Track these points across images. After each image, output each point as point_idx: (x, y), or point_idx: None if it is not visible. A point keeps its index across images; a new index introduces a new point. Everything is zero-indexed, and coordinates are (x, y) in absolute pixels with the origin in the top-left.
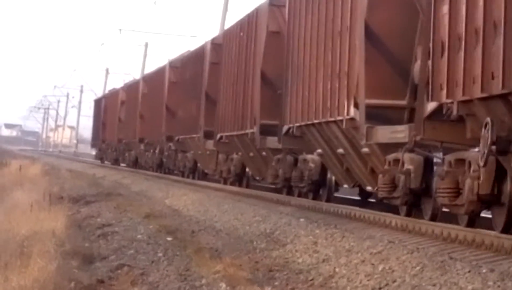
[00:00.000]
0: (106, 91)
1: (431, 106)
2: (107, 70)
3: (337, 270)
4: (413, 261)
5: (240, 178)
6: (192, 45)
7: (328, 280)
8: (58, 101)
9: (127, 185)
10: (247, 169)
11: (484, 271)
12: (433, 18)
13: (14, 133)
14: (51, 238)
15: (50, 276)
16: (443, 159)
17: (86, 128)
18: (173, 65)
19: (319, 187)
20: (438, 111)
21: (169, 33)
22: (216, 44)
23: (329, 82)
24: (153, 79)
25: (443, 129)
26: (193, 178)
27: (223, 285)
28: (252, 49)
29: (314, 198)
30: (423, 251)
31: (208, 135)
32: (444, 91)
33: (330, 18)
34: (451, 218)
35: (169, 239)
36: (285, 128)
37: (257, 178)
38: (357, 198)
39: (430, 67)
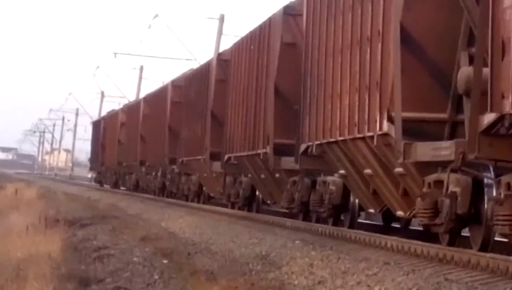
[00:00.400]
0: (102, 114)
1: (488, 118)
2: (102, 93)
3: None
4: (409, 282)
5: (249, 202)
6: (187, 68)
7: None
8: (54, 125)
9: (123, 208)
10: (257, 193)
11: None
12: (491, 14)
13: (9, 156)
14: (47, 261)
15: None
16: (498, 181)
17: (82, 151)
18: (175, 84)
19: (340, 212)
20: (495, 124)
21: (164, 56)
22: (222, 60)
23: (356, 95)
24: (154, 99)
25: (502, 145)
26: (198, 202)
27: None
28: (265, 63)
29: (334, 224)
30: (418, 272)
31: (215, 157)
32: (509, 100)
33: (357, 22)
34: (504, 248)
35: (165, 261)
36: (302, 146)
37: (268, 202)
38: (380, 223)
39: (489, 72)
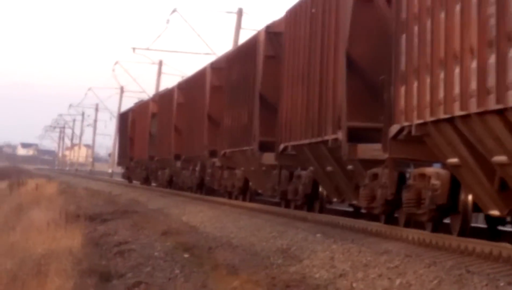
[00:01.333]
0: (122, 109)
1: (395, 128)
2: (121, 89)
3: (354, 285)
4: (430, 275)
5: (310, 201)
6: (205, 62)
7: None
8: (74, 120)
9: (144, 203)
10: (320, 189)
11: (501, 284)
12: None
13: (30, 152)
14: (68, 256)
15: None
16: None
17: (102, 146)
18: (215, 66)
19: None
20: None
21: (183, 51)
22: (272, 34)
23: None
24: (190, 85)
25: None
26: (243, 199)
27: None
28: (332, 27)
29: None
30: (440, 264)
31: (265, 147)
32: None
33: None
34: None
35: (186, 256)
36: (394, 128)
37: (335, 200)
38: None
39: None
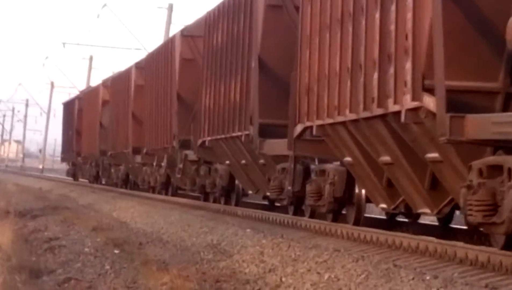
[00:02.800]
0: (53, 105)
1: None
2: (52, 84)
3: (283, 279)
4: (358, 269)
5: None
6: (136, 58)
7: None
8: (4, 116)
9: (74, 198)
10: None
11: (427, 278)
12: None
13: None
14: None
15: None
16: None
17: (32, 142)
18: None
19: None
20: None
21: (114, 46)
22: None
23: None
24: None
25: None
26: (166, 194)
27: None
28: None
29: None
30: (368, 259)
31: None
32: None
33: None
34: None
35: (116, 251)
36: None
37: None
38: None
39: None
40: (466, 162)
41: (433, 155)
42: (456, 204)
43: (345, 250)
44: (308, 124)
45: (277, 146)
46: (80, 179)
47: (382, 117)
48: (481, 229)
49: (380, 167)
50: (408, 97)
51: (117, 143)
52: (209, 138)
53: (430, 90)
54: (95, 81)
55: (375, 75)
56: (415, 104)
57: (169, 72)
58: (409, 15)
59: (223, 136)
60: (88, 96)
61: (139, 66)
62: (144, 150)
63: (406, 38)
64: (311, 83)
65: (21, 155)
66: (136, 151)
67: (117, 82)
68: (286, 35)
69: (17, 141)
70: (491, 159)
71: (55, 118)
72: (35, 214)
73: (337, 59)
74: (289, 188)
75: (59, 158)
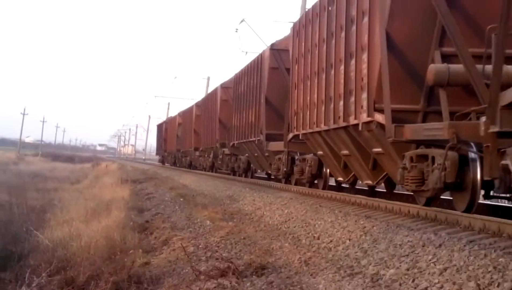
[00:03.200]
0: (149, 126)
1: (291, 135)
2: (149, 116)
3: (265, 213)
4: (301, 208)
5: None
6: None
7: (260, 218)
8: (129, 129)
9: (160, 173)
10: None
11: (336, 212)
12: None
13: (102, 148)
14: (121, 200)
15: (121, 219)
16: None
17: (140, 146)
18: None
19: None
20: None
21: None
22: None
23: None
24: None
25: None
26: (245, 176)
27: (208, 222)
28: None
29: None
30: (307, 203)
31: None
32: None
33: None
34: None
35: (181, 199)
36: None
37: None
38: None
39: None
40: (399, 153)
41: (378, 149)
42: (388, 176)
43: (296, 199)
44: (296, 132)
45: (277, 145)
46: (166, 164)
47: (345, 128)
48: (413, 193)
49: (340, 157)
50: (364, 115)
51: (186, 145)
52: (236, 141)
53: (378, 111)
54: (172, 114)
55: (341, 103)
56: (368, 119)
57: (213, 106)
58: (364, 66)
59: (244, 140)
60: (170, 121)
61: (197, 104)
62: (200, 148)
63: (362, 80)
64: (297, 110)
65: (133, 152)
66: (196, 149)
67: (185, 114)
68: (281, 84)
69: (132, 145)
70: (419, 151)
71: (150, 132)
72: (140, 181)
73: (315, 95)
74: (284, 169)
75: (154, 153)
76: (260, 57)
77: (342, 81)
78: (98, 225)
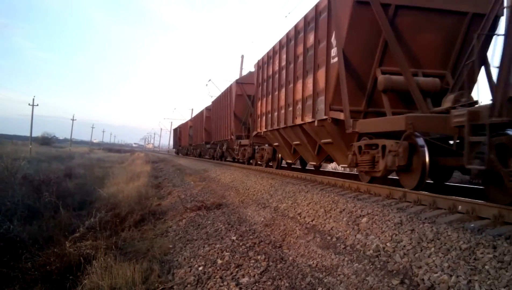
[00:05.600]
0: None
1: (255, 132)
2: (192, 110)
3: (222, 177)
4: (240, 174)
5: (221, 157)
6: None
7: (219, 180)
8: (154, 134)
9: (169, 158)
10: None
11: (257, 176)
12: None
13: (136, 145)
14: (146, 172)
15: (145, 182)
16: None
17: (161, 144)
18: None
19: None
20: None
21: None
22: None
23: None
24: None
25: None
26: (221, 160)
27: (192, 182)
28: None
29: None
30: (243, 172)
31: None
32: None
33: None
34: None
35: (177, 171)
36: (254, 133)
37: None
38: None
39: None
40: (347, 143)
41: (327, 140)
42: (329, 158)
43: (238, 169)
44: (259, 131)
45: (244, 141)
46: (179, 155)
47: (301, 125)
48: (365, 174)
49: (291, 145)
50: (322, 114)
51: (197, 140)
52: (215, 140)
53: (334, 110)
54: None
55: (298, 106)
56: (325, 117)
57: (228, 102)
58: (322, 78)
59: (220, 139)
60: (183, 125)
61: (207, 108)
62: (211, 142)
63: (319, 88)
64: (260, 115)
65: (153, 147)
66: (207, 142)
67: (196, 118)
68: (243, 104)
69: (152, 143)
70: (370, 141)
71: (162, 137)
72: (156, 162)
73: (276, 104)
74: (249, 156)
75: (165, 148)
76: (230, 88)
77: (300, 91)
78: (133, 185)
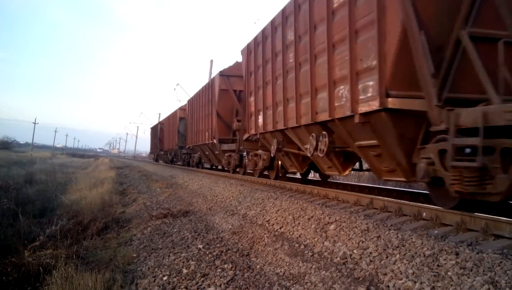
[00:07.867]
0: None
1: (247, 135)
2: (159, 114)
3: (189, 183)
4: (209, 181)
5: (198, 165)
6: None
7: (187, 186)
8: (120, 138)
9: (135, 164)
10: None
11: (226, 182)
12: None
13: (101, 150)
14: (111, 178)
15: (110, 188)
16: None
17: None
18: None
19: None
20: (248, 137)
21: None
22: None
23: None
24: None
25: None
26: (197, 167)
27: (158, 189)
28: (210, 101)
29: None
30: (211, 179)
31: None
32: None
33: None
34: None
35: (143, 177)
36: (245, 136)
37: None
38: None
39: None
40: (405, 146)
41: (366, 142)
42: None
43: (206, 176)
44: (253, 133)
45: (230, 146)
46: (159, 161)
47: (325, 123)
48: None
49: (300, 150)
50: (371, 104)
51: (169, 144)
52: (191, 145)
53: (394, 98)
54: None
55: (322, 95)
56: (377, 108)
57: (209, 98)
58: (370, 46)
59: (198, 143)
60: (155, 126)
61: (181, 108)
62: (187, 146)
63: (364, 63)
64: (254, 114)
65: (120, 152)
66: (181, 147)
67: (169, 119)
68: (229, 101)
69: (117, 148)
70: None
71: (128, 142)
72: (121, 168)
73: (279, 96)
74: (236, 163)
75: (130, 153)
76: (212, 82)
77: (324, 73)
78: (96, 192)
